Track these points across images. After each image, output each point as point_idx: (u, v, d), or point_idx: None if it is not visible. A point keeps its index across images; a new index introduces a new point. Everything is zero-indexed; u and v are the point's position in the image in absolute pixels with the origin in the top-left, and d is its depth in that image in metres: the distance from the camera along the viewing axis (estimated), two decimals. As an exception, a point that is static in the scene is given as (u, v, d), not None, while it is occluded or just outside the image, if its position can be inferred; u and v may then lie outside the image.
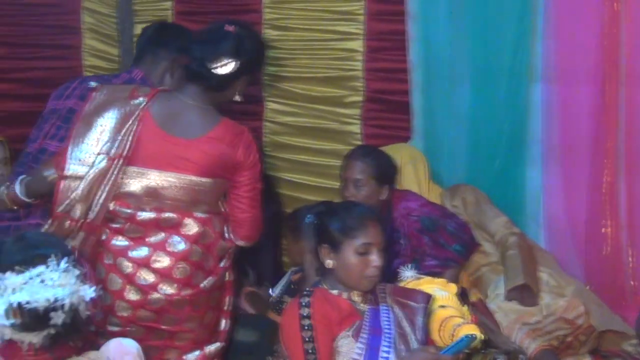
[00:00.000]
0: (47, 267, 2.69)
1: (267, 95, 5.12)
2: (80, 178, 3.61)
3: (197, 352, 3.76)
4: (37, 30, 4.84)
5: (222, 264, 3.76)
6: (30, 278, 2.67)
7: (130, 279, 3.63)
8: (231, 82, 3.71)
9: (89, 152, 3.63)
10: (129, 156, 3.62)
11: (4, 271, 2.68)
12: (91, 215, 3.61)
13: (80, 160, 3.63)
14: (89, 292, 2.74)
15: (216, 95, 3.72)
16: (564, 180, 4.61)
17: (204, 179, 3.64)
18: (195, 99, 3.71)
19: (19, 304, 2.64)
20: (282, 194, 5.06)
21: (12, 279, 2.67)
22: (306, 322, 3.23)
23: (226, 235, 3.78)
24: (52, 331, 2.69)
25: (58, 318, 2.67)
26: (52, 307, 2.66)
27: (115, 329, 3.60)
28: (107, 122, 3.65)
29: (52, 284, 2.67)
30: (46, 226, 3.59)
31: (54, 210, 3.58)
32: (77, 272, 2.73)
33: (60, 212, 3.57)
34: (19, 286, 2.66)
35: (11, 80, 5.22)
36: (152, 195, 3.64)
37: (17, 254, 2.73)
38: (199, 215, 3.67)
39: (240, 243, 3.81)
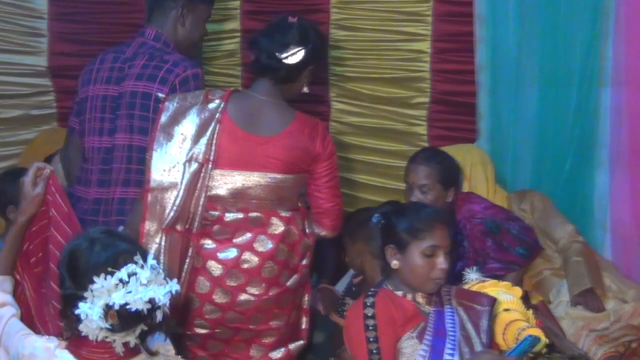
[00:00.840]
0: (137, 265, 2.68)
1: (333, 95, 5.15)
2: (166, 189, 3.67)
3: (281, 350, 3.82)
4: (107, 28, 4.91)
5: (304, 262, 3.80)
6: (123, 279, 2.66)
7: (218, 282, 3.68)
8: (299, 72, 3.76)
9: (173, 161, 3.69)
10: (215, 159, 3.68)
11: (92, 274, 2.67)
12: (194, 225, 3.67)
13: (165, 170, 3.69)
14: (175, 287, 2.73)
15: (286, 88, 3.78)
16: (631, 186, 4.57)
17: (286, 176, 3.70)
18: (268, 95, 3.76)
19: (119, 306, 2.63)
20: (346, 194, 5.07)
21: (105, 282, 2.65)
22: (370, 322, 3.25)
23: (307, 230, 3.82)
24: (145, 328, 2.71)
25: (158, 317, 2.69)
26: (155, 306, 2.66)
27: (203, 331, 3.69)
28: (187, 129, 3.71)
29: (146, 283, 2.67)
30: (156, 244, 3.63)
31: (144, 221, 3.64)
32: (160, 267, 2.75)
33: (167, 227, 3.62)
34: (114, 288, 2.65)
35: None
36: (238, 196, 3.70)
37: (101, 255, 2.74)
38: (284, 214, 3.73)
39: (327, 234, 3.86)
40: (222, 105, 3.72)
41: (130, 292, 2.63)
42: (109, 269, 2.66)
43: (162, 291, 2.67)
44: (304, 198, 3.87)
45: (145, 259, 2.70)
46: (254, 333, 3.75)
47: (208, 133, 3.68)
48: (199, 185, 3.67)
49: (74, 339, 2.77)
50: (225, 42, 5.20)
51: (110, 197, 4.01)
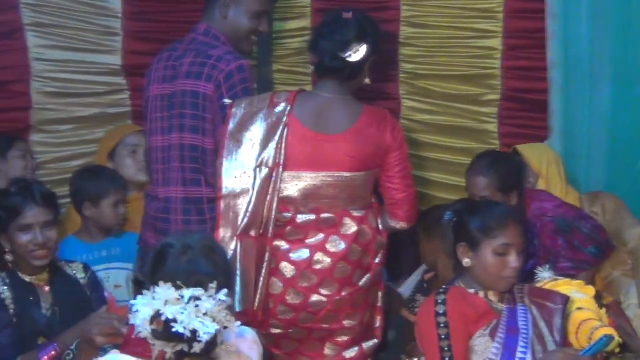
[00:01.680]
0: (206, 292, 2.66)
1: (403, 93, 5.13)
2: (239, 195, 3.72)
3: (355, 349, 3.83)
4: (180, 26, 4.93)
5: (377, 260, 3.81)
6: (184, 297, 2.65)
7: (291, 283, 3.71)
8: (363, 66, 3.78)
9: (243, 167, 3.73)
10: (285, 162, 3.70)
11: (165, 280, 2.68)
12: (269, 229, 3.71)
13: (235, 177, 3.73)
14: (233, 328, 2.72)
15: (351, 84, 3.80)
16: None
17: (357, 174, 3.72)
18: (334, 92, 3.78)
19: (167, 319, 2.63)
20: (417, 192, 5.06)
21: (168, 291, 2.66)
22: (442, 319, 3.28)
23: (380, 227, 3.82)
24: (185, 349, 2.67)
25: (198, 347, 2.65)
26: (196, 337, 2.63)
27: (277, 331, 3.74)
28: (255, 135, 3.74)
29: (204, 313, 2.64)
30: (232, 250, 3.66)
31: (218, 229, 3.70)
32: (228, 304, 2.70)
33: (241, 233, 3.67)
34: (173, 301, 2.65)
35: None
36: (309, 197, 3.72)
37: (183, 266, 2.75)
38: (356, 213, 3.74)
39: (401, 226, 3.86)
40: (288, 108, 3.74)
41: (182, 313, 2.63)
42: (179, 283, 2.67)
43: (208, 329, 2.63)
44: (377, 193, 3.87)
45: (220, 290, 2.68)
46: (327, 332, 3.77)
47: (276, 137, 3.71)
48: (270, 190, 3.70)
49: (134, 341, 2.88)
50: (295, 40, 5.21)
51: (172, 196, 4.06)
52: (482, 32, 4.98)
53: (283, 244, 3.74)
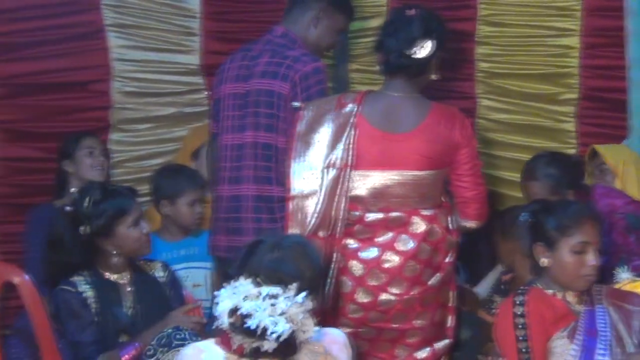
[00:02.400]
0: (285, 292, 2.68)
1: (480, 92, 5.14)
2: (307, 196, 3.74)
3: (427, 349, 3.81)
4: (258, 26, 4.99)
5: (447, 259, 3.79)
6: (262, 294, 2.67)
7: (361, 282, 3.71)
8: (429, 62, 3.76)
9: (312, 168, 3.75)
10: (353, 163, 3.70)
11: (249, 274, 2.73)
12: (337, 230, 3.71)
13: (304, 178, 3.75)
14: (309, 330, 2.72)
15: (418, 81, 3.79)
16: None
17: (426, 172, 3.70)
18: (401, 91, 3.77)
19: (241, 313, 2.66)
20: (492, 191, 5.06)
21: (248, 286, 2.70)
22: (520, 320, 3.27)
23: (450, 226, 3.81)
24: (262, 347, 2.69)
25: (269, 345, 2.67)
26: (268, 333, 2.65)
27: (348, 330, 3.64)
28: (323, 136, 3.76)
29: (280, 313, 2.65)
30: None
31: (286, 229, 3.72)
32: (308, 306, 2.71)
33: (309, 234, 3.68)
34: (251, 296, 2.67)
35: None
36: (378, 196, 3.71)
37: (266, 263, 2.80)
38: (425, 212, 3.72)
39: (471, 224, 3.84)
40: (355, 109, 3.75)
41: (257, 310, 2.65)
42: (259, 279, 2.71)
43: (278, 328, 2.64)
44: (447, 191, 3.86)
45: (299, 293, 2.70)
46: (398, 333, 3.76)
47: (344, 138, 3.72)
48: (338, 190, 3.71)
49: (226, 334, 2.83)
50: (371, 39, 5.15)
51: (243, 194, 4.10)
52: (560, 31, 4.97)
53: (352, 243, 3.74)
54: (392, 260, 3.70)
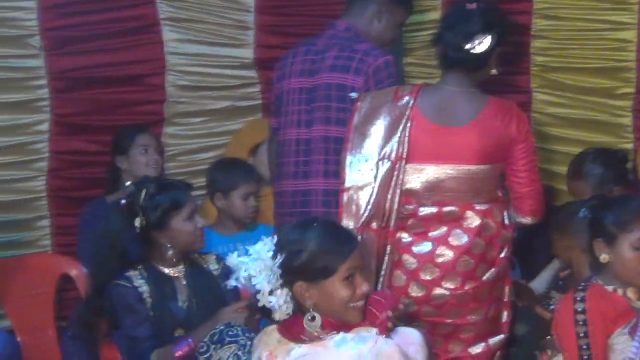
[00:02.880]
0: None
1: (535, 86, 5.12)
2: (361, 188, 3.74)
3: (481, 344, 3.81)
4: (305, 19, 5.05)
5: (502, 254, 3.78)
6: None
7: (414, 275, 3.72)
8: (488, 58, 3.76)
9: (367, 160, 3.76)
10: (407, 155, 3.71)
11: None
12: (391, 222, 3.72)
13: (359, 170, 3.77)
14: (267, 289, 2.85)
15: (476, 75, 3.78)
16: None
17: (480, 167, 3.70)
18: (458, 85, 3.77)
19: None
20: (546, 186, 5.03)
21: (259, 248, 2.85)
22: (581, 317, 3.25)
23: (506, 221, 3.80)
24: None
25: (277, 315, 2.84)
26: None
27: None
28: (378, 128, 3.77)
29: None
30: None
31: (340, 221, 3.71)
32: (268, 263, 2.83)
33: (362, 226, 3.69)
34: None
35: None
36: (432, 190, 3.72)
37: (288, 233, 2.92)
38: (480, 207, 3.72)
39: (526, 220, 3.83)
40: (411, 101, 3.75)
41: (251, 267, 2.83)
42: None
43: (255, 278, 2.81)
44: (503, 186, 3.86)
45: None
46: (451, 328, 3.76)
47: (399, 130, 3.73)
48: (392, 183, 3.72)
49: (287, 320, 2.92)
50: (426, 32, 5.20)
51: (312, 188, 4.12)
52: (617, 24, 4.92)
53: (405, 236, 3.75)
54: (446, 254, 3.71)
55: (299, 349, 2.83)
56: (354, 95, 3.94)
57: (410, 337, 3.00)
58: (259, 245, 2.86)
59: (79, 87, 5.04)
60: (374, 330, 2.86)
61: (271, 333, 2.91)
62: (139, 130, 4.87)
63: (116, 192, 4.72)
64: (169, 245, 3.75)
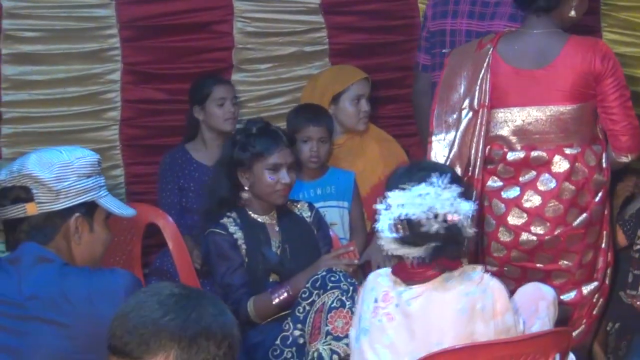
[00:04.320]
0: (427, 184, 2.84)
1: (605, 25, 5.16)
2: (446, 139, 3.79)
3: (574, 291, 3.83)
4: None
5: (597, 199, 3.78)
6: (412, 195, 2.83)
7: (502, 220, 3.75)
8: None
9: (453, 111, 3.80)
10: (490, 102, 3.73)
11: (390, 190, 2.89)
12: (475, 172, 3.73)
13: (445, 122, 3.81)
14: (465, 206, 2.84)
15: (555, 16, 3.76)
16: None
17: (567, 106, 3.70)
18: (536, 27, 3.77)
19: (400, 217, 2.81)
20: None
21: (395, 196, 2.85)
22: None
23: (604, 164, 3.80)
24: (432, 244, 2.83)
25: (431, 226, 2.80)
26: (428, 217, 2.79)
27: (493, 269, 3.71)
28: (463, 79, 3.80)
29: (429, 199, 2.81)
30: None
31: None
32: (457, 189, 2.85)
33: None
34: (401, 202, 2.83)
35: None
36: (519, 134, 3.74)
37: (403, 176, 2.95)
38: (569, 150, 3.72)
39: (625, 158, 3.79)
40: (491, 49, 3.76)
41: (413, 204, 2.82)
42: (401, 185, 2.87)
43: (438, 203, 2.81)
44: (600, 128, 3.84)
45: (445, 178, 2.85)
46: (543, 273, 3.76)
47: (479, 78, 3.76)
48: (475, 131, 3.75)
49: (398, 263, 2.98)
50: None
51: None
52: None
53: (496, 180, 3.78)
54: (533, 199, 3.73)
55: (411, 291, 2.90)
56: (445, 51, 3.99)
57: (544, 292, 3.11)
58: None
59: (148, 35, 5.05)
60: (479, 268, 2.93)
61: (385, 274, 2.98)
62: (216, 82, 4.87)
63: (194, 140, 4.82)
64: (246, 188, 3.81)
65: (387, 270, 2.99)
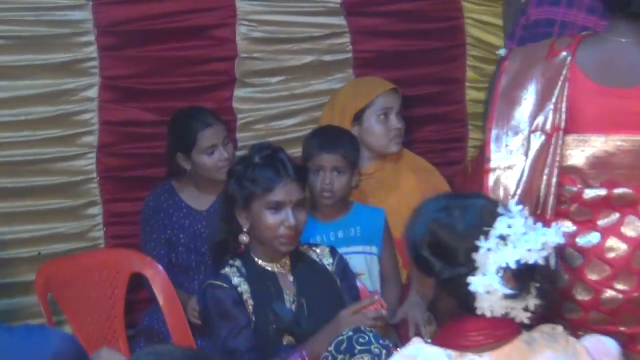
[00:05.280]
0: (506, 215, 2.65)
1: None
2: (510, 167, 3.50)
3: None
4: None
5: None
6: (502, 234, 2.61)
7: (578, 275, 3.43)
8: None
9: (516, 132, 3.49)
10: (566, 125, 3.43)
11: (465, 242, 2.63)
12: (547, 209, 3.43)
13: (507, 145, 3.51)
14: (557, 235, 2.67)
15: None
16: None
17: None
18: (626, 35, 3.43)
19: (516, 264, 2.59)
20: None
21: (488, 243, 2.60)
22: None
23: None
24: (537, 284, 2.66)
25: (552, 262, 2.64)
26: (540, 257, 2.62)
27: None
28: (530, 93, 3.50)
29: (525, 231, 2.63)
30: None
31: None
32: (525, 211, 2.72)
33: None
34: (499, 247, 2.61)
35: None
36: (599, 167, 3.42)
37: (465, 217, 2.68)
38: None
39: None
40: (569, 58, 3.42)
41: (516, 246, 2.61)
42: (484, 229, 2.62)
43: (551, 232, 2.63)
44: None
45: (505, 209, 2.68)
46: (625, 338, 3.38)
47: (555, 95, 3.43)
48: (548, 160, 3.43)
49: (445, 330, 2.73)
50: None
51: None
52: None
53: (567, 226, 3.41)
54: (618, 248, 3.38)
55: (483, 358, 2.64)
56: (501, 52, 3.73)
57: (608, 347, 2.84)
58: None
59: (132, 43, 4.74)
60: (559, 328, 2.72)
61: (425, 349, 2.67)
62: (200, 126, 4.43)
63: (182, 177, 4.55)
64: (245, 230, 3.53)
65: (421, 342, 2.73)
